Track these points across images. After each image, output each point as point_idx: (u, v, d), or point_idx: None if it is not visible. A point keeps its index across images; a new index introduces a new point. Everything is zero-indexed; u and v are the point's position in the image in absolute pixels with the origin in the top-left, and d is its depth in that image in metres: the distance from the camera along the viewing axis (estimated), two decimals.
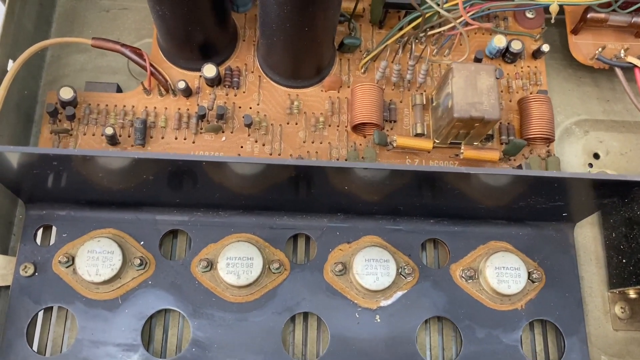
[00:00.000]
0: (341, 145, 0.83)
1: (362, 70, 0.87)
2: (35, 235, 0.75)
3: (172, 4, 0.71)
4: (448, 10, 0.79)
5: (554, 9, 0.83)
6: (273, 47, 0.78)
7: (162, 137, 0.81)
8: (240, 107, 0.83)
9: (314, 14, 0.69)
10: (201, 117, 0.80)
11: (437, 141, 0.83)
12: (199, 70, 0.83)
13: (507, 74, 0.89)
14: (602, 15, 0.86)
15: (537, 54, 0.89)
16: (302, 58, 0.79)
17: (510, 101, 0.88)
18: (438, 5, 0.79)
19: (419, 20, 0.83)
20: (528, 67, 0.90)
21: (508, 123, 0.86)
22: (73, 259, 0.72)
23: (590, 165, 0.88)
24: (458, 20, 0.79)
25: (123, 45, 0.80)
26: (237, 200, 0.75)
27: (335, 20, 0.75)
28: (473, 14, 0.85)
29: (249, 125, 0.80)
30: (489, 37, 0.91)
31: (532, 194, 0.71)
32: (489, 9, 0.85)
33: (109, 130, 0.77)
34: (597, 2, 0.82)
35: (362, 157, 0.81)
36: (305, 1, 0.66)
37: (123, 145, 0.80)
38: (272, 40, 0.76)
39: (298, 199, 0.75)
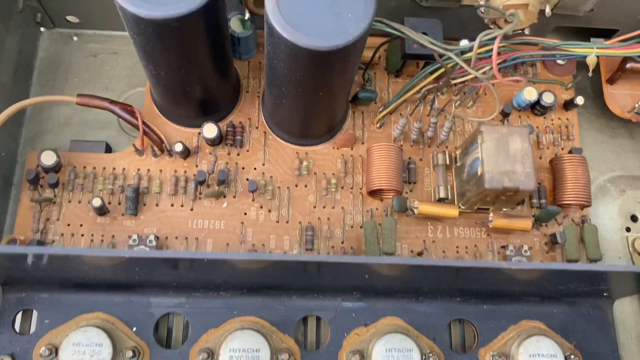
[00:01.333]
0: (356, 210, 0.75)
1: (378, 125, 0.78)
2: (13, 321, 0.67)
3: (168, 65, 0.62)
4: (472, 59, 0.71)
5: (591, 60, 0.74)
6: (280, 106, 0.70)
7: (157, 205, 0.73)
8: (243, 168, 0.75)
9: (330, 79, 0.61)
10: (200, 182, 0.72)
11: (462, 207, 0.74)
12: (198, 126, 0.74)
13: (537, 127, 0.81)
14: None
15: (569, 106, 0.81)
16: (313, 117, 0.71)
17: (540, 158, 0.80)
18: (462, 56, 0.70)
19: (441, 70, 0.75)
20: (559, 119, 0.82)
21: (539, 184, 0.78)
22: (56, 350, 0.64)
23: (628, 229, 0.80)
24: (481, 71, 0.71)
25: (112, 102, 0.72)
26: (240, 279, 0.67)
27: (352, 79, 0.67)
28: (500, 63, 0.77)
29: (254, 191, 0.72)
30: (516, 85, 0.83)
31: (571, 281, 0.63)
32: (519, 58, 0.77)
33: (97, 202, 0.68)
34: (639, 53, 0.74)
35: (379, 224, 0.73)
36: (321, 68, 0.58)
37: (112, 215, 0.71)
38: (280, 101, 0.68)
39: (308, 278, 0.67)
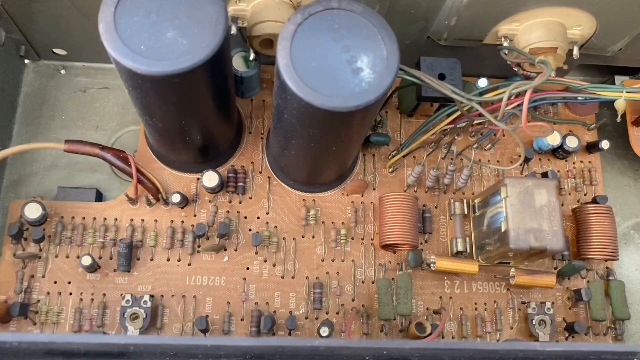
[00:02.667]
0: (367, 263, 0.70)
1: (390, 170, 0.73)
2: None
3: (165, 117, 0.57)
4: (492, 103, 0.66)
5: (620, 105, 0.69)
6: (287, 155, 0.64)
7: (152, 259, 0.67)
8: (246, 217, 0.69)
9: (346, 135, 0.55)
10: (200, 236, 0.66)
11: (481, 260, 0.69)
12: (197, 172, 0.69)
13: (558, 171, 0.76)
14: None
15: (592, 149, 0.76)
16: (323, 166, 0.66)
17: (562, 205, 0.75)
18: (480, 97, 0.65)
19: (459, 112, 0.69)
20: (581, 162, 0.77)
21: None
22: None
23: None
24: (504, 118, 0.66)
25: (103, 148, 0.66)
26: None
27: (367, 131, 0.61)
28: (520, 107, 0.72)
29: (258, 245, 0.66)
30: (541, 131, 0.78)
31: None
32: (542, 100, 0.72)
33: (86, 260, 0.62)
34: None
35: (393, 279, 0.68)
36: (337, 127, 0.52)
37: (104, 271, 0.66)
38: (288, 151, 0.62)
39: None
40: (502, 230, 0.63)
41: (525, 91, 0.70)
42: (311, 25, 0.50)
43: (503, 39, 0.66)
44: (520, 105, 0.71)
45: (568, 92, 0.71)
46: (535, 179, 0.64)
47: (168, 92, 0.51)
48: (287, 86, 0.48)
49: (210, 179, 0.66)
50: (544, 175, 0.73)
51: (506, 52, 0.66)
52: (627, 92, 0.69)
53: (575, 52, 0.67)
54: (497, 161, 0.76)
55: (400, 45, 0.70)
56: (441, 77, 0.68)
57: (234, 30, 0.62)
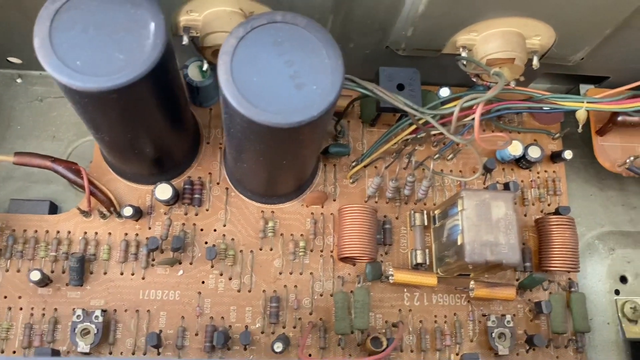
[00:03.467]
0: (326, 276, 0.69)
1: (351, 181, 0.72)
2: None
3: (110, 131, 0.55)
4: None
5: (581, 115, 0.69)
6: (241, 167, 0.63)
7: (105, 273, 0.66)
8: (202, 230, 0.68)
9: (295, 150, 0.54)
10: (153, 250, 0.65)
11: (441, 273, 0.69)
12: (152, 183, 0.67)
13: (522, 181, 0.75)
14: (636, 119, 0.72)
15: (556, 158, 0.75)
16: (278, 179, 0.65)
17: (525, 215, 0.74)
18: (442, 107, 0.64)
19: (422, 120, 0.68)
20: (545, 172, 0.76)
21: (524, 244, 0.73)
22: None
23: (617, 292, 0.75)
24: (460, 132, 0.65)
25: (55, 160, 0.64)
26: None
27: (322, 142, 0.60)
28: (484, 114, 0.71)
29: (213, 259, 0.65)
30: (500, 141, 0.77)
31: None
32: (503, 109, 0.71)
33: (35, 276, 0.61)
34: (633, 109, 0.69)
35: (352, 292, 0.67)
36: (282, 143, 0.51)
37: (56, 285, 0.64)
38: (241, 164, 0.61)
39: None
40: (459, 243, 0.62)
41: (489, 102, 0.71)
42: (254, 39, 0.49)
43: (461, 49, 0.65)
44: (483, 114, 0.70)
45: (530, 102, 0.71)
46: (492, 192, 0.64)
47: (108, 107, 0.50)
48: (228, 102, 0.47)
49: (163, 191, 0.65)
50: (506, 185, 0.72)
51: (464, 63, 0.65)
52: (587, 102, 0.69)
53: (535, 62, 0.66)
54: (460, 171, 0.75)
55: (361, 54, 0.70)
56: (400, 87, 0.67)
57: (185, 41, 0.61)
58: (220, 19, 0.60)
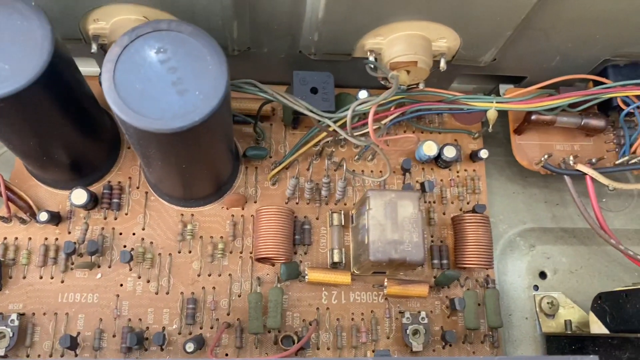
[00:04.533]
0: (244, 277, 0.70)
1: (272, 183, 0.73)
2: None
3: (9, 140, 0.57)
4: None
5: (492, 115, 0.71)
6: (151, 172, 0.64)
7: (24, 277, 0.67)
8: (121, 234, 0.69)
9: (188, 155, 0.56)
10: (69, 254, 0.66)
11: (356, 271, 0.70)
12: (71, 188, 0.68)
13: (441, 180, 0.77)
14: (549, 118, 0.74)
15: (475, 157, 0.77)
16: (187, 183, 0.66)
17: (444, 214, 0.76)
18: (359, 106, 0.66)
19: (340, 122, 0.70)
20: (465, 171, 0.78)
21: (441, 242, 0.74)
22: None
23: (536, 287, 0.76)
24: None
25: None
26: None
27: (226, 146, 0.62)
28: (400, 117, 0.73)
29: (128, 262, 0.67)
30: (411, 141, 0.78)
31: None
32: (419, 111, 0.73)
33: None
34: (541, 108, 0.70)
35: (264, 289, 0.68)
36: (172, 148, 0.53)
37: None
38: (148, 168, 0.63)
39: None
40: (365, 242, 0.64)
41: (406, 103, 0.72)
42: (138, 47, 0.50)
43: (369, 53, 0.67)
44: (399, 117, 0.72)
45: (443, 103, 0.72)
46: (398, 191, 0.65)
47: (0, 116, 0.51)
48: (112, 108, 0.49)
49: (79, 196, 0.66)
50: (422, 185, 0.74)
51: (372, 67, 0.67)
52: (497, 102, 0.70)
53: (442, 64, 0.67)
54: (380, 172, 0.76)
55: (277, 59, 0.71)
56: (313, 91, 0.69)
57: (94, 49, 0.63)
58: (125, 27, 0.61)
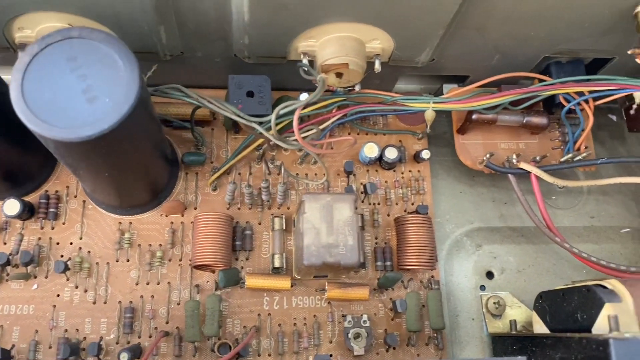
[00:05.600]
0: (183, 285, 0.69)
1: (212, 188, 0.73)
2: None
3: None
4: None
5: (429, 115, 0.70)
6: (81, 180, 0.63)
7: None
8: (58, 244, 0.69)
9: (106, 163, 0.55)
10: (3, 265, 0.65)
11: (297, 276, 0.69)
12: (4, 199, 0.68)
13: (386, 181, 0.76)
14: (490, 116, 0.73)
15: (418, 158, 0.76)
16: (118, 191, 0.65)
17: (389, 215, 0.75)
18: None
19: (281, 125, 0.69)
20: (410, 172, 0.77)
21: (385, 243, 0.74)
22: None
23: (483, 287, 0.76)
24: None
25: None
26: None
27: (152, 152, 0.61)
28: (341, 119, 0.72)
29: (63, 272, 0.66)
30: (365, 137, 0.78)
31: None
32: (358, 113, 0.72)
33: None
34: (479, 107, 0.70)
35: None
36: (85, 157, 0.52)
37: None
38: (76, 175, 0.62)
39: None
40: (300, 246, 0.63)
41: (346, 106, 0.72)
42: (48, 55, 0.49)
43: (302, 56, 0.66)
44: (341, 119, 0.72)
45: (382, 104, 0.72)
46: (334, 194, 0.64)
47: None
48: (21, 118, 0.48)
49: (11, 207, 0.65)
50: (365, 187, 0.73)
51: (305, 70, 0.66)
52: (433, 102, 0.70)
53: (377, 66, 0.67)
54: (324, 174, 0.76)
55: (212, 63, 0.71)
56: (250, 94, 0.68)
57: None
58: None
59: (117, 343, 0.66)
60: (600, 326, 0.56)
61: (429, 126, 0.70)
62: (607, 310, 0.55)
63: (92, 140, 0.48)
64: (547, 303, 0.66)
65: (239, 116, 0.60)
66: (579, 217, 0.81)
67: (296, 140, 0.61)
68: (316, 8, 0.60)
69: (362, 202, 0.75)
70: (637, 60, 0.64)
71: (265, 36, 0.64)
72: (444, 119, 0.83)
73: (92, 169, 0.56)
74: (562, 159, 0.75)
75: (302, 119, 0.72)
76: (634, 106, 0.71)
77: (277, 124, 0.67)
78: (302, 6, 0.59)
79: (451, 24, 0.63)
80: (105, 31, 0.51)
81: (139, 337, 0.67)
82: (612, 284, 0.58)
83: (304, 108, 0.71)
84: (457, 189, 0.81)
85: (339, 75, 0.65)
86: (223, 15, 0.61)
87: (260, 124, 0.64)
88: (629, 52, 0.63)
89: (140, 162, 0.60)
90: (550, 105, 0.76)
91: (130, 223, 0.70)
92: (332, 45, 0.64)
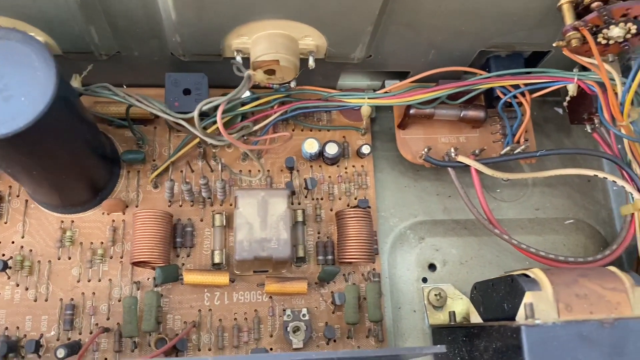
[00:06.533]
0: (124, 282, 0.70)
1: (153, 186, 0.73)
2: None
3: None
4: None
5: (365, 111, 0.71)
6: (15, 179, 0.64)
7: None
8: (0, 242, 0.69)
9: (29, 162, 0.56)
10: None
11: (237, 272, 0.70)
12: None
13: (329, 177, 0.77)
14: (427, 111, 0.74)
15: (360, 154, 0.77)
16: (59, 188, 0.66)
17: (332, 210, 0.76)
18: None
19: (214, 126, 0.70)
20: (353, 167, 0.78)
21: (327, 237, 0.75)
22: None
23: (425, 280, 0.77)
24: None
25: None
26: None
27: (77, 147, 0.61)
28: (282, 115, 0.73)
29: (3, 270, 0.67)
30: (309, 133, 0.79)
31: None
32: (297, 109, 0.73)
33: None
34: (414, 101, 0.71)
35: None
36: (6, 155, 0.53)
37: None
38: (8, 173, 0.62)
39: None
40: (234, 241, 0.64)
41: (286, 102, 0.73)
42: None
43: (236, 53, 0.67)
44: (282, 114, 0.73)
45: (320, 100, 0.73)
46: (268, 190, 0.66)
47: None
48: None
49: None
50: (306, 182, 0.74)
51: (239, 68, 0.67)
52: (368, 98, 0.71)
53: (311, 62, 0.68)
54: (268, 171, 0.77)
55: (150, 62, 0.71)
56: (186, 92, 0.69)
57: None
58: None
59: (57, 340, 0.67)
60: (522, 314, 0.57)
61: (364, 122, 0.71)
62: (528, 298, 0.56)
63: (8, 138, 0.49)
64: (480, 294, 0.67)
65: (165, 113, 0.61)
66: (524, 210, 0.82)
67: (223, 136, 0.62)
68: (242, 5, 0.61)
69: (305, 197, 0.76)
70: (564, 52, 0.65)
71: (196, 34, 0.64)
72: (390, 115, 0.84)
73: (17, 167, 0.57)
74: (502, 152, 0.76)
75: (245, 116, 0.74)
76: (567, 98, 0.72)
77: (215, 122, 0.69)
78: (228, 4, 0.60)
79: (379, 20, 0.64)
80: (23, 32, 0.52)
81: (80, 334, 0.68)
82: (535, 272, 0.58)
83: (244, 105, 0.72)
84: (402, 183, 0.82)
85: (272, 72, 0.66)
86: (152, 15, 0.62)
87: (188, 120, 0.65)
88: (554, 45, 0.65)
89: (71, 160, 0.60)
90: (490, 99, 0.77)
91: (72, 221, 0.71)
92: (263, 43, 0.65)
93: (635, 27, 0.61)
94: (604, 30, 0.62)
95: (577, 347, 0.51)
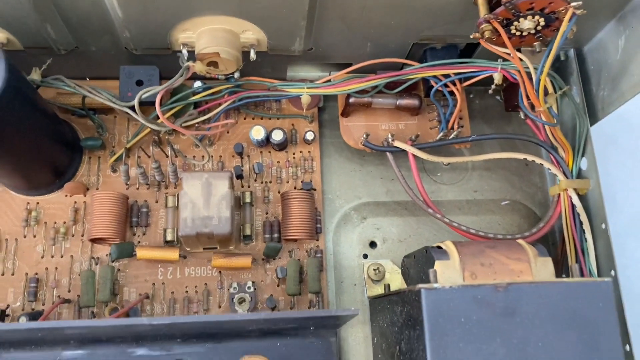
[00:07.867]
0: (85, 258, 0.76)
1: (112, 170, 0.80)
2: None
3: None
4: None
5: (305, 100, 0.77)
6: None
7: None
8: None
9: None
10: None
11: (188, 249, 0.77)
12: None
13: (278, 162, 0.83)
14: (365, 100, 0.80)
15: (306, 140, 0.83)
16: (21, 173, 0.72)
17: (279, 192, 0.82)
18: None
19: (173, 111, 0.77)
20: (301, 152, 0.84)
21: (275, 217, 0.81)
22: None
23: (365, 256, 0.83)
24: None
25: None
26: None
27: (32, 135, 0.67)
28: (232, 104, 0.79)
29: None
30: (260, 121, 0.85)
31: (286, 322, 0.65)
32: (244, 99, 0.79)
33: None
34: (350, 90, 0.77)
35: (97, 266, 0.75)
36: None
37: None
38: None
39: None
40: (179, 218, 0.70)
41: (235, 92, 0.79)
42: None
43: (182, 47, 0.73)
44: (231, 104, 0.79)
45: (265, 90, 0.79)
46: (211, 172, 0.72)
47: None
48: None
49: None
50: (254, 167, 0.80)
51: (185, 61, 0.73)
52: (307, 87, 0.76)
53: (252, 55, 0.74)
54: (220, 156, 0.83)
55: (107, 56, 0.77)
56: (139, 83, 0.75)
57: None
58: None
59: (22, 310, 0.74)
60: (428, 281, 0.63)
61: (305, 109, 0.77)
62: (437, 267, 0.61)
63: None
64: (407, 266, 0.73)
65: (112, 102, 0.67)
66: (463, 192, 0.88)
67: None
68: (183, 2, 0.66)
69: (255, 181, 0.82)
70: (481, 43, 0.70)
71: (143, 30, 0.70)
72: (331, 105, 0.89)
73: None
74: (437, 137, 0.82)
75: (198, 104, 0.80)
76: (492, 86, 0.77)
77: (170, 109, 0.75)
78: (169, 1, 0.66)
79: (311, 15, 0.70)
80: None
81: (43, 305, 0.74)
82: (446, 244, 0.64)
83: (195, 94, 0.78)
84: (348, 168, 0.88)
85: (214, 64, 0.72)
86: (101, 12, 0.68)
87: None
88: (471, 37, 0.70)
89: (30, 147, 0.67)
90: (427, 89, 0.83)
91: (37, 203, 0.77)
92: (205, 37, 0.71)
93: (542, 19, 0.67)
94: (515, 23, 0.67)
95: (471, 308, 0.57)
